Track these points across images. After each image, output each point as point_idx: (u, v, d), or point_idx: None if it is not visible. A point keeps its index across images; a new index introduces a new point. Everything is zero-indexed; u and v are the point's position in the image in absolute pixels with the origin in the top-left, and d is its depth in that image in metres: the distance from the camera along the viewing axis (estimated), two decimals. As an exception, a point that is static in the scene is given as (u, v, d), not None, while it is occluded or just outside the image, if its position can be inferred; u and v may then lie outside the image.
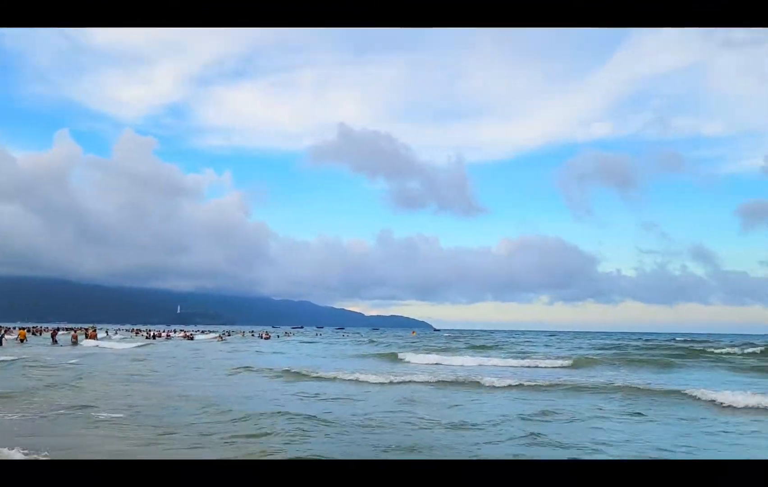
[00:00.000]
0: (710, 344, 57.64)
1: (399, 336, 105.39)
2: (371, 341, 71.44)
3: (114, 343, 53.75)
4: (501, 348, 49.16)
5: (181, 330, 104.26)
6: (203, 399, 15.02)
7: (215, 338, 76.76)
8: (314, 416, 12.27)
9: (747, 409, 14.40)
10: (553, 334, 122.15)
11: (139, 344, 53.89)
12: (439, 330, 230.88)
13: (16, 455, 6.27)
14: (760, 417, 13.47)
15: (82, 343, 52.23)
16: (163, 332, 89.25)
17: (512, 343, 64.50)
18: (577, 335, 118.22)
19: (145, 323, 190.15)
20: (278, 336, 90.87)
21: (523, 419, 12.68)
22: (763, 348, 43.87)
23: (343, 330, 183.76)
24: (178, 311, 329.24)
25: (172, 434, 10.46)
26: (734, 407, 14.59)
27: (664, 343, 67.14)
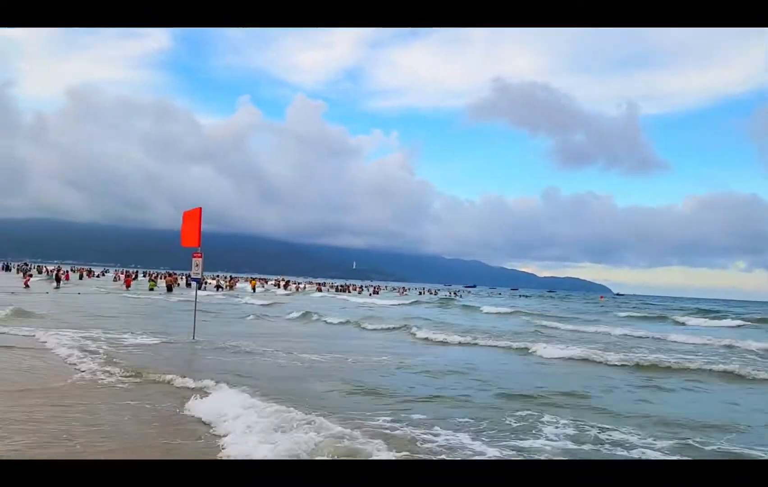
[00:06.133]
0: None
1: (590, 300, 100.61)
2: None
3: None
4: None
5: (372, 286, 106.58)
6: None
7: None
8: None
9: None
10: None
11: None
12: (621, 294, 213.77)
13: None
14: None
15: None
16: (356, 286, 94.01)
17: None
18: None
19: (324, 277, 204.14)
20: (460, 295, 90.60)
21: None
22: None
23: (518, 291, 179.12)
24: (354, 267, 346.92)
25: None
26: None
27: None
